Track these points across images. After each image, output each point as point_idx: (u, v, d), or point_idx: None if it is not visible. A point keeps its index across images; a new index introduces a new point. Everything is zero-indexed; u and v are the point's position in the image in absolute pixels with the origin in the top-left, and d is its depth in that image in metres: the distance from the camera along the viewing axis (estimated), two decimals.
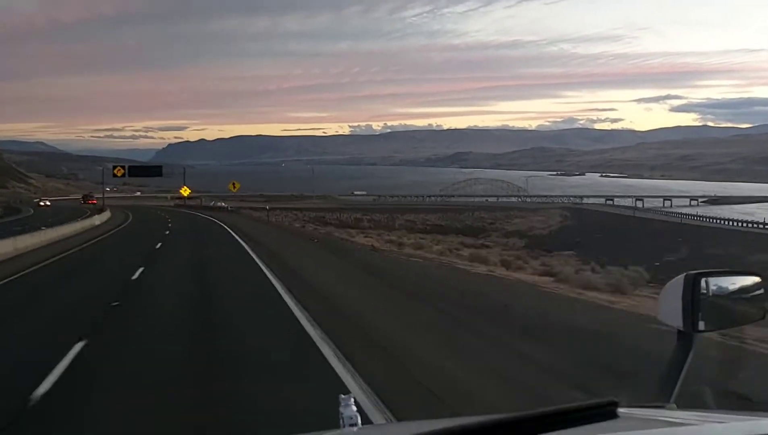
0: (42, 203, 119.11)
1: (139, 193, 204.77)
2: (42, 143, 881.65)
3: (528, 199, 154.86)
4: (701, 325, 1.84)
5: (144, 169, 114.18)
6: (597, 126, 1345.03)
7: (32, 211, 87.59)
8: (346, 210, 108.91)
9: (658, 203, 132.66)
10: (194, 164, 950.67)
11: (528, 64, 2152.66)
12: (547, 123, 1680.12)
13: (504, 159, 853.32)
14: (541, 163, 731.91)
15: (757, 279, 2.03)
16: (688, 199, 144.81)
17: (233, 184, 76.87)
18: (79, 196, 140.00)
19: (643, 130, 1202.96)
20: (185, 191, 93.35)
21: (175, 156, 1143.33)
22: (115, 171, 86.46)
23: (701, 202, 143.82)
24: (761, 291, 2.03)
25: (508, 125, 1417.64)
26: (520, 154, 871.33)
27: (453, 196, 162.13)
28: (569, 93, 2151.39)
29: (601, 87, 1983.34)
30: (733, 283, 1.99)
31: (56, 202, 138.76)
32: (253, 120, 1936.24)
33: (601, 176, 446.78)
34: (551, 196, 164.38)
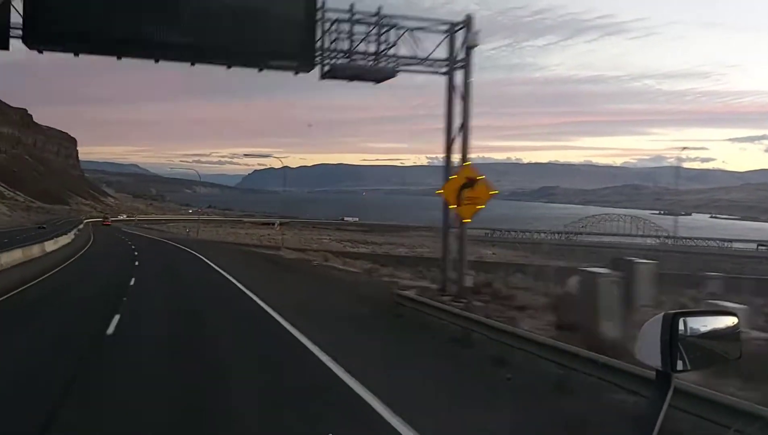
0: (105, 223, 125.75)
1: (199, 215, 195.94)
2: (136, 166, 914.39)
3: (668, 242, 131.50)
4: (679, 365, 1.85)
5: None
6: (687, 165, 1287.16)
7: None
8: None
9: None
10: (278, 190, 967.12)
11: (611, 99, 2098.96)
12: (632, 160, 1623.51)
13: (594, 195, 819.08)
14: (636, 201, 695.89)
15: (733, 319, 2.05)
16: None
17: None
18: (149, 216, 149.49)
19: (741, 170, 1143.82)
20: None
21: (260, 181, 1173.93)
22: None
23: None
24: (738, 331, 2.04)
25: (591, 161, 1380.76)
26: (612, 191, 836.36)
27: (580, 234, 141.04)
28: (655, 130, 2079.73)
29: (690, 125, 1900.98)
30: (710, 324, 1.99)
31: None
32: (333, 149, 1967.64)
33: (711, 217, 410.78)
34: (693, 239, 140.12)
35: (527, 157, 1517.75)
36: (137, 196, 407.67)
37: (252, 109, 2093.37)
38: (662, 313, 1.89)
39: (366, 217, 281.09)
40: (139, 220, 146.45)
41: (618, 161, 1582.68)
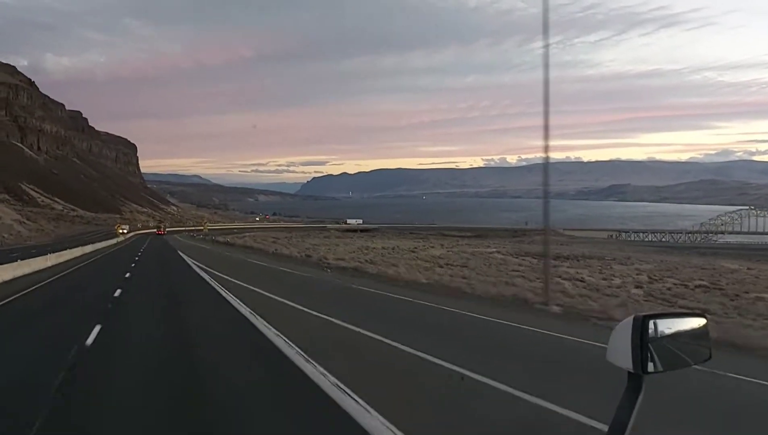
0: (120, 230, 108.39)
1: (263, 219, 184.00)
2: (198, 176, 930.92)
3: None
4: (650, 367, 1.86)
5: None
6: (757, 158, 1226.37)
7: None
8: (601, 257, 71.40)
9: None
10: (337, 196, 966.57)
11: (670, 93, 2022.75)
12: (698, 155, 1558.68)
13: (668, 192, 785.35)
14: (716, 196, 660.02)
15: (702, 320, 2.07)
16: None
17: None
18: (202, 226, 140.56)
19: None
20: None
21: (319, 188, 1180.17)
22: None
23: None
24: (706, 332, 2.07)
25: (654, 158, 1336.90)
26: (687, 187, 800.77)
27: (722, 234, 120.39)
28: (719, 124, 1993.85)
29: (756, 117, 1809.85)
30: (680, 325, 2.01)
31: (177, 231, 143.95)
32: (386, 155, 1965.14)
33: None
34: None
35: (587, 156, 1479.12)
36: (201, 205, 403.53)
37: (306, 118, 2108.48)
38: (632, 315, 1.90)
39: (441, 220, 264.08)
40: (210, 229, 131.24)
41: (683, 157, 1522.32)
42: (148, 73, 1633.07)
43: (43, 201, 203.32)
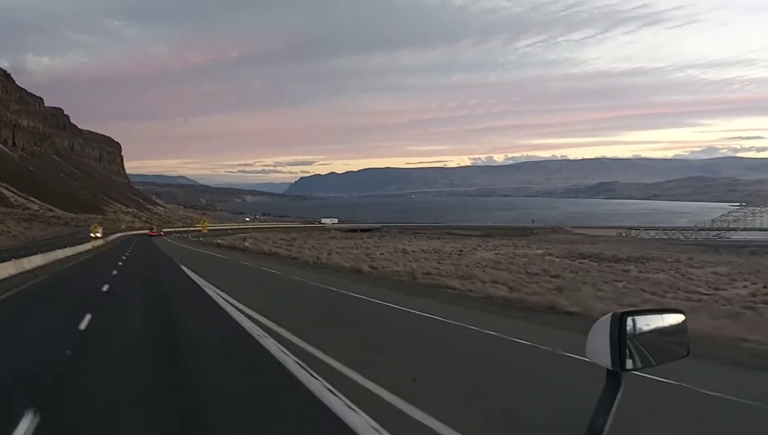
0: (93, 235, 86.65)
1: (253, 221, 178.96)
2: (183, 177, 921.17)
3: None
4: (629, 364, 1.85)
5: None
6: (742, 155, 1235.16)
7: None
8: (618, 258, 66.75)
9: None
10: (325, 196, 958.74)
11: (654, 91, 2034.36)
12: (683, 152, 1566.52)
13: (657, 189, 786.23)
14: (706, 193, 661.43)
15: (680, 317, 2.07)
16: None
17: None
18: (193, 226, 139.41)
19: None
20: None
21: (307, 188, 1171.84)
22: None
23: None
24: (684, 328, 2.07)
25: (639, 155, 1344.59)
26: (676, 184, 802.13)
27: (733, 230, 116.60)
28: (704, 121, 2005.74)
29: (740, 114, 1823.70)
30: (658, 322, 1.99)
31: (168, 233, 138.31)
32: (374, 154, 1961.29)
33: None
34: None
35: (573, 154, 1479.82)
36: (188, 206, 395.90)
37: (292, 118, 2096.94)
38: (611, 313, 1.89)
39: (436, 219, 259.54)
40: (208, 230, 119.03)
41: (669, 154, 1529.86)
42: (132, 74, 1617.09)
43: (16, 200, 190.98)
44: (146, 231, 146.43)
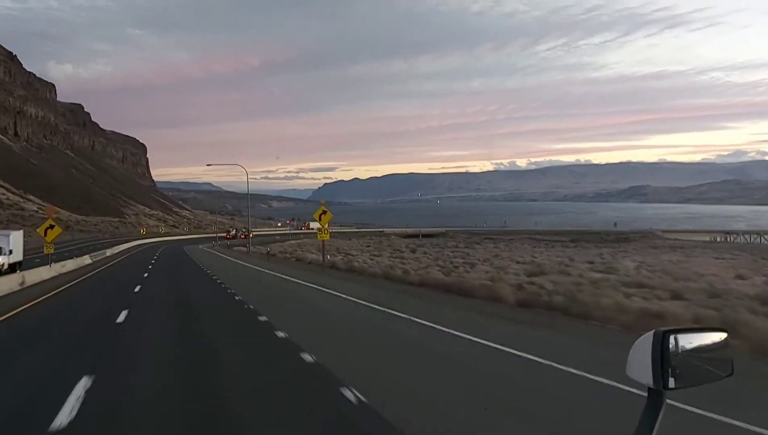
0: None
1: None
2: (209, 184, 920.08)
3: None
4: (671, 383, 1.82)
5: None
6: None
7: None
8: None
9: None
10: (350, 202, 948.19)
11: (677, 95, 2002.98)
12: (710, 156, 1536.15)
13: (690, 192, 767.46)
14: (744, 197, 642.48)
15: (723, 335, 2.02)
16: None
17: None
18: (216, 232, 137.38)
19: None
20: None
21: (331, 194, 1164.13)
22: None
23: None
24: (727, 347, 2.02)
25: (665, 159, 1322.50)
26: (710, 188, 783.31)
27: None
28: (729, 124, 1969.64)
29: (766, 117, 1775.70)
30: (701, 340, 1.96)
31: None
32: (395, 160, 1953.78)
33: None
34: None
35: (597, 158, 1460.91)
36: (214, 211, 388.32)
37: (314, 125, 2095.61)
38: (653, 330, 1.86)
39: (490, 224, 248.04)
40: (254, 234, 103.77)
41: (695, 158, 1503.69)
42: (156, 82, 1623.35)
43: (9, 198, 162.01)
44: (190, 235, 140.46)
